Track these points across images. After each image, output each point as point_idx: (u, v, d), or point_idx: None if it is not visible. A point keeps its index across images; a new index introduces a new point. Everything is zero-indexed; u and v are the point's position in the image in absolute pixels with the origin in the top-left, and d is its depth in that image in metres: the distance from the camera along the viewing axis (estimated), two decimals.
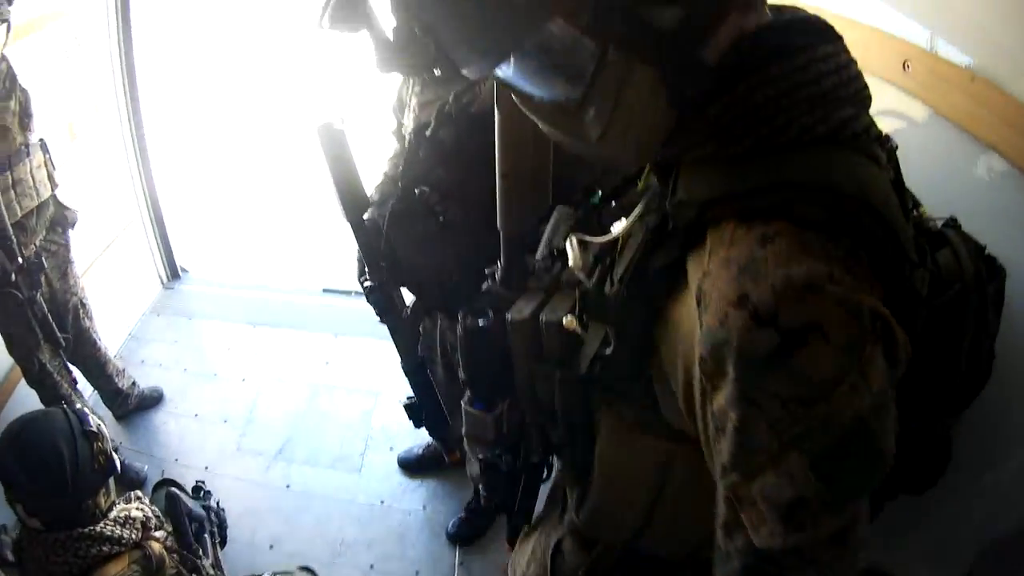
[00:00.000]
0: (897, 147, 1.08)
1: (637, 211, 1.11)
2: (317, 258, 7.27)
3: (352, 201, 2.36)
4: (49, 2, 4.88)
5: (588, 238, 1.23)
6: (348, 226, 2.42)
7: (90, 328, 4.63)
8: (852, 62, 0.99)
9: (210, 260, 7.43)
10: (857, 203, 0.85)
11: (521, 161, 1.58)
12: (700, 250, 0.94)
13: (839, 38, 0.99)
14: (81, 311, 4.54)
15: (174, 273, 6.62)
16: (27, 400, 4.24)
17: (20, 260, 3.93)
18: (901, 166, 1.08)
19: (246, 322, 5.95)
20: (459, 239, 2.15)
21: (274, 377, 5.36)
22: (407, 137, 2.36)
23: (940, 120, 1.76)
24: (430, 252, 2.25)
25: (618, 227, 1.16)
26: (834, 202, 0.85)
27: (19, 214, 4.00)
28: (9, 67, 3.99)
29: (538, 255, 1.42)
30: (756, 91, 0.92)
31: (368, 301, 2.60)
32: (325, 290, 6.32)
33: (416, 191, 2.20)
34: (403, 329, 2.75)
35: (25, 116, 4.07)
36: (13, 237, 3.89)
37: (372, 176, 2.59)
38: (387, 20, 2.20)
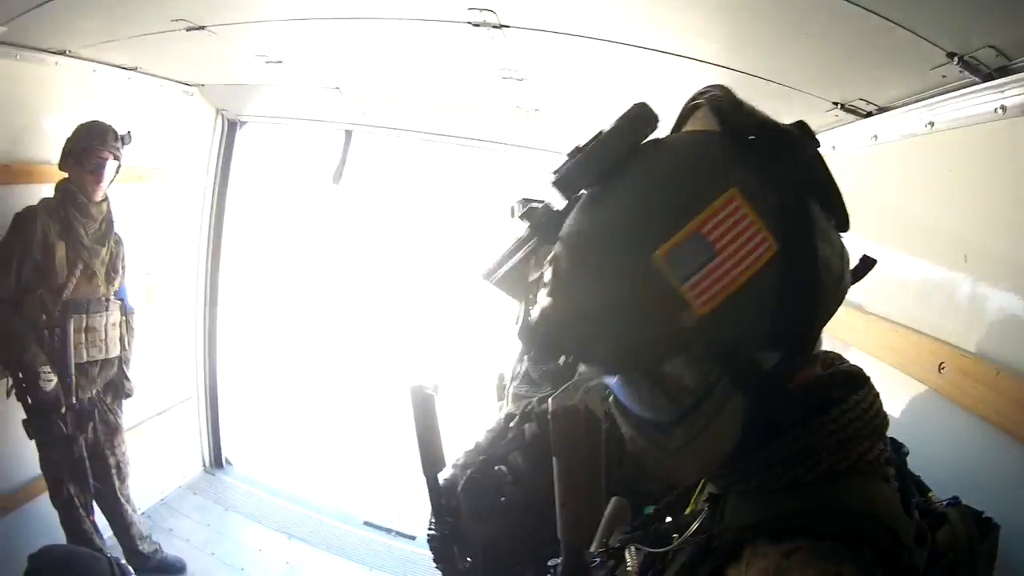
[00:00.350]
0: (908, 452, 1.27)
1: (692, 529, 1.22)
2: (364, 488, 7.24)
3: (430, 459, 2.48)
4: (152, 156, 5.19)
5: (646, 548, 1.32)
6: (424, 479, 2.53)
7: (119, 489, 4.47)
8: (876, 399, 1.13)
9: (257, 459, 7.38)
10: (864, 517, 1.01)
11: (578, 487, 1.77)
12: (738, 562, 1.06)
13: (867, 381, 1.15)
14: (115, 472, 4.42)
15: (218, 461, 6.53)
16: (46, 514, 4.11)
17: (74, 399, 3.94)
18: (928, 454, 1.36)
19: (282, 531, 5.72)
20: (518, 521, 2.31)
21: None
22: (500, 419, 2.60)
23: (967, 414, 1.98)
24: (490, 525, 2.41)
25: (675, 541, 1.26)
26: (846, 519, 1.00)
27: (84, 359, 4.01)
28: (109, 209, 4.14)
29: (592, 548, 1.54)
30: (800, 439, 1.07)
31: (429, 547, 2.65)
32: (366, 523, 6.09)
33: (495, 468, 2.41)
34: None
35: (113, 270, 4.19)
36: (74, 376, 3.92)
37: (455, 438, 2.69)
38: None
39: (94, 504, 4.25)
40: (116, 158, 3.99)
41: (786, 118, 1.44)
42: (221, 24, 3.25)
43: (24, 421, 3.90)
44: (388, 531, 5.94)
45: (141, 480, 4.68)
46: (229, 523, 5.70)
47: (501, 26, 2.63)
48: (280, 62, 3.87)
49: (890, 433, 1.15)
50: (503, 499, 2.34)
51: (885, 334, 2.34)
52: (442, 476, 2.54)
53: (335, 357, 11.80)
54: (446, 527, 2.52)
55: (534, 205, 2.28)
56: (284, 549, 5.47)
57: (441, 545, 2.56)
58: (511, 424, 2.46)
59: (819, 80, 2.52)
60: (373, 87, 4.27)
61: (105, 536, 4.42)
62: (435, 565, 2.65)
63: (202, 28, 3.27)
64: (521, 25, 2.63)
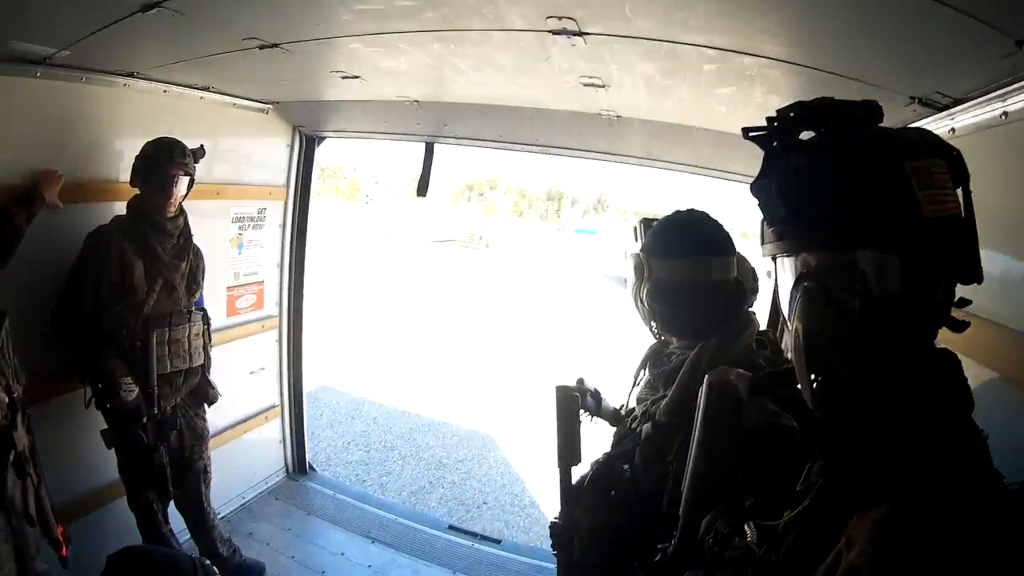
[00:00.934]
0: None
1: (803, 505, 1.36)
2: (450, 493, 7.47)
3: (567, 453, 2.68)
4: (231, 173, 5.31)
5: (765, 523, 1.48)
6: (558, 471, 2.72)
7: (204, 494, 4.54)
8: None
9: (341, 465, 7.64)
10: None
11: (712, 462, 1.86)
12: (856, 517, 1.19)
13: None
14: (202, 477, 4.50)
15: (301, 468, 6.64)
16: (124, 517, 4.18)
17: (156, 411, 3.99)
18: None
19: (364, 536, 5.72)
20: (625, 514, 2.48)
21: None
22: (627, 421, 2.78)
23: None
24: (599, 516, 2.58)
25: (786, 515, 1.41)
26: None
27: (168, 370, 4.07)
28: (186, 222, 4.17)
29: (702, 532, 1.75)
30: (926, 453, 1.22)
31: (551, 532, 2.81)
32: (450, 527, 6.12)
33: (619, 464, 2.57)
34: (572, 565, 2.80)
35: (193, 283, 4.25)
36: (156, 387, 3.97)
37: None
38: None
39: (171, 508, 4.32)
40: (187, 173, 4.02)
41: None
42: (295, 41, 3.20)
43: (103, 431, 3.94)
44: (473, 535, 5.93)
45: (223, 485, 4.73)
46: (311, 527, 5.73)
47: (581, 33, 2.58)
48: (357, 77, 3.81)
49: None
50: (612, 493, 2.51)
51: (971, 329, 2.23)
52: (576, 471, 2.71)
53: (424, 363, 12.08)
54: (570, 517, 2.68)
55: (649, 220, 2.67)
56: (366, 553, 5.48)
57: (561, 533, 2.71)
58: (632, 425, 2.63)
59: (895, 75, 2.47)
60: (453, 99, 4.19)
61: (182, 540, 4.51)
62: (553, 552, 2.80)
63: (275, 46, 3.24)
64: (601, 32, 2.57)
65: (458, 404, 11.62)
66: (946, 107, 2.51)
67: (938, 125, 2.58)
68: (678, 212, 2.56)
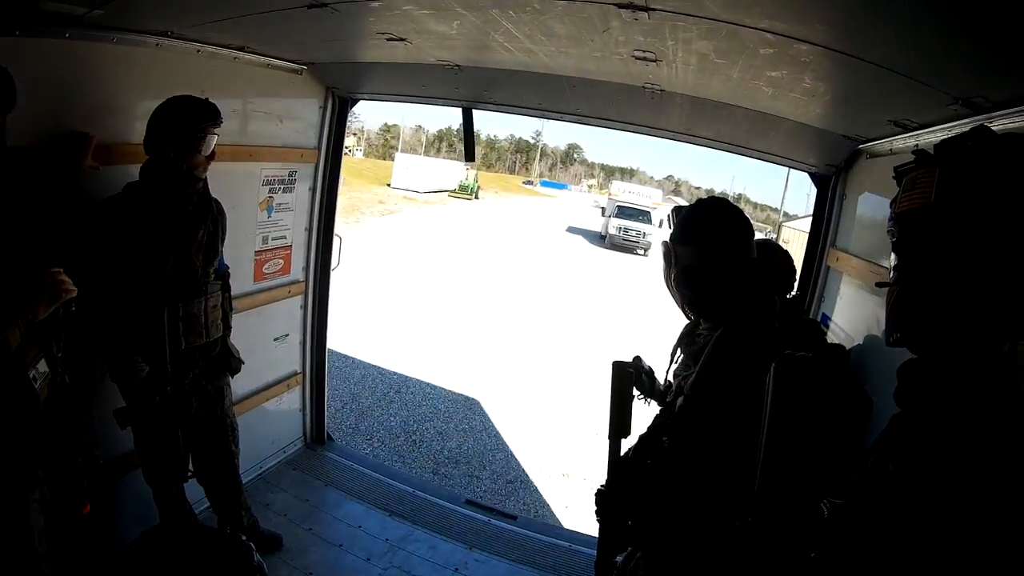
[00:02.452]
0: None
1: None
2: (467, 468, 7.62)
3: (618, 426, 2.91)
4: (261, 135, 5.26)
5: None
6: (608, 442, 2.94)
7: (235, 455, 4.50)
8: None
9: (360, 436, 7.76)
10: None
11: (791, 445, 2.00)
12: None
13: None
14: (231, 434, 4.44)
15: (320, 438, 6.64)
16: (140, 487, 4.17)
17: (170, 388, 3.85)
18: None
19: (382, 509, 5.75)
20: (659, 483, 2.61)
21: (400, 568, 5.07)
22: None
23: None
24: (637, 484, 2.73)
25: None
26: None
27: (183, 347, 3.92)
28: (205, 186, 3.96)
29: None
30: None
31: (595, 500, 2.96)
32: (467, 502, 6.17)
33: (659, 436, 2.70)
34: (613, 531, 2.95)
35: (211, 250, 4.04)
36: (170, 366, 3.84)
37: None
38: None
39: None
40: (216, 133, 3.83)
41: (909, 112, 1.43)
42: (345, 1, 3.11)
43: (115, 411, 3.85)
44: (490, 511, 5.98)
45: (241, 453, 4.68)
46: (328, 499, 5.74)
47: (647, 8, 2.53)
48: (403, 40, 3.72)
49: None
50: (649, 462, 2.67)
51: None
52: (625, 443, 2.92)
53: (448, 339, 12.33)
54: (614, 485, 2.86)
55: (680, 208, 2.87)
56: (384, 526, 5.49)
57: (604, 501, 2.90)
58: (669, 399, 2.80)
59: (940, 74, 2.47)
60: (496, 65, 4.11)
61: (198, 511, 4.54)
62: (596, 518, 2.97)
63: (324, 6, 3.14)
64: (667, 8, 2.52)
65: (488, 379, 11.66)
66: (986, 110, 2.50)
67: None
68: (701, 201, 2.78)
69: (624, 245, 40.13)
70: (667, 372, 3.00)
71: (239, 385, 4.65)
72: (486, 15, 3.04)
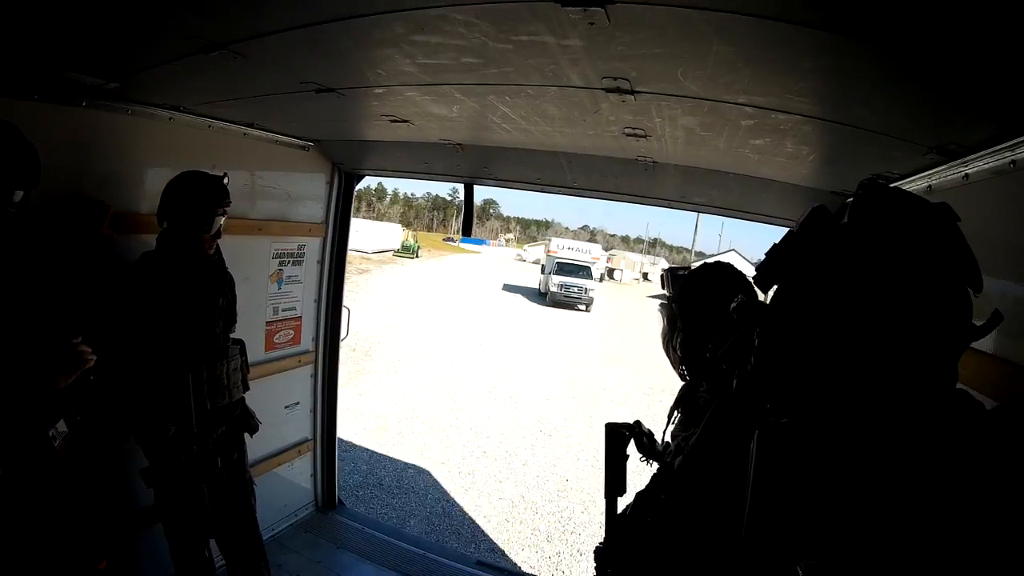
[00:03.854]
0: None
1: None
2: (477, 529, 7.73)
3: (613, 486, 2.96)
4: (270, 209, 5.42)
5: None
6: (605, 500, 2.97)
7: (255, 509, 4.50)
8: None
9: (370, 500, 7.88)
10: None
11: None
12: None
13: None
14: (250, 489, 4.46)
15: (331, 502, 6.67)
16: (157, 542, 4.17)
17: (194, 448, 3.94)
18: None
19: (394, 570, 5.75)
20: (657, 541, 2.59)
21: None
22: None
23: None
24: (636, 542, 2.72)
25: None
26: None
27: (208, 408, 4.02)
28: (220, 256, 4.13)
29: None
30: None
31: (594, 557, 2.93)
32: (479, 563, 6.18)
33: (657, 494, 2.69)
34: None
35: (229, 317, 4.23)
36: (195, 428, 3.92)
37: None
38: None
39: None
40: (226, 212, 3.98)
41: (890, 165, 1.57)
42: (352, 87, 3.31)
43: (141, 471, 3.94)
44: (500, 571, 6.01)
45: None
46: (340, 561, 5.75)
47: (633, 91, 2.71)
48: (406, 121, 3.91)
49: None
50: (648, 520, 2.64)
51: (980, 365, 2.33)
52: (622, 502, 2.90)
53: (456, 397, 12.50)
54: (611, 542, 2.86)
55: (679, 273, 2.98)
56: None
57: (603, 557, 2.88)
58: (667, 459, 2.78)
59: (914, 127, 2.60)
60: (495, 143, 4.28)
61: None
62: (595, 574, 2.93)
63: (331, 91, 3.35)
64: (651, 91, 2.70)
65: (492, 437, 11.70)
66: (960, 155, 2.66)
67: (952, 172, 2.76)
68: (705, 265, 2.84)
69: (566, 302, 39.42)
70: (664, 432, 3.02)
71: (252, 450, 4.69)
72: (484, 100, 3.22)
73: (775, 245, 1.75)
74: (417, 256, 63.17)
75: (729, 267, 2.80)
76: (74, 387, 2.84)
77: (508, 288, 46.03)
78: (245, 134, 4.83)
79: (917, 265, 1.52)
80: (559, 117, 3.37)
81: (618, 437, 2.98)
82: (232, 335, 4.31)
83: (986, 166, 2.52)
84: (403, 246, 63.87)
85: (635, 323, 36.02)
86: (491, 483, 10.07)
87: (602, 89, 2.73)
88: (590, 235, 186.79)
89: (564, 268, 42.13)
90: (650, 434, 3.11)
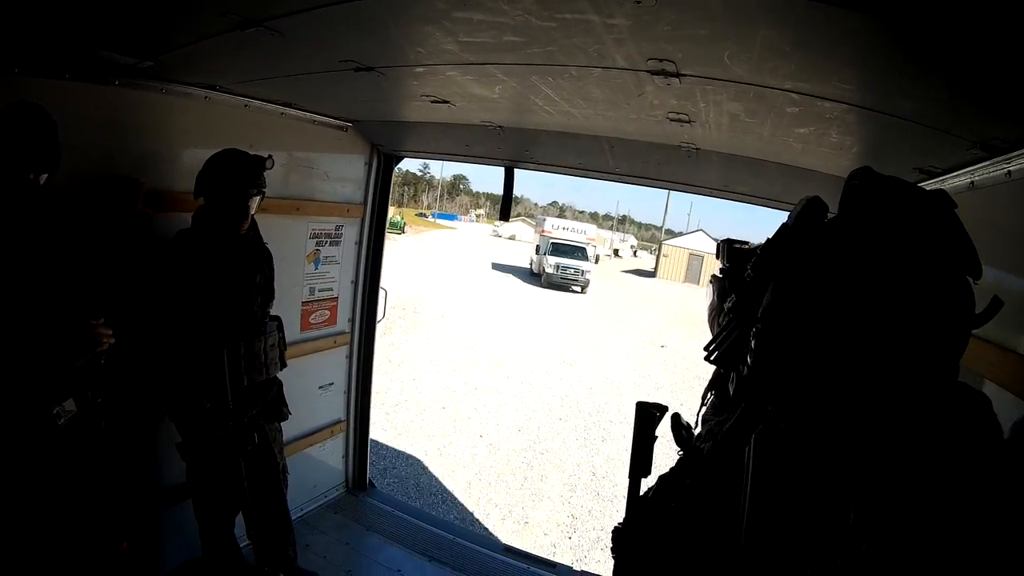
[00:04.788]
0: None
1: None
2: (507, 515, 7.95)
3: (639, 465, 2.85)
4: (308, 189, 5.44)
5: None
6: (629, 481, 2.87)
7: (285, 494, 4.53)
8: None
9: (401, 483, 8.10)
10: None
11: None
12: None
13: None
14: (282, 476, 4.49)
15: (361, 484, 6.72)
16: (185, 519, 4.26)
17: (230, 423, 3.97)
18: None
19: (422, 554, 5.75)
20: (681, 526, 2.55)
21: None
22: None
23: None
24: (657, 526, 2.68)
25: None
26: None
27: (244, 384, 4.06)
28: (257, 233, 4.15)
29: None
30: None
31: (612, 537, 2.90)
32: (506, 548, 6.16)
33: (683, 479, 2.66)
34: (629, 570, 2.91)
35: (268, 293, 4.24)
36: (231, 404, 3.96)
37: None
38: None
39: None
40: (261, 192, 3.98)
41: (933, 159, 1.52)
42: (392, 66, 3.25)
43: (177, 444, 4.01)
44: (528, 558, 5.97)
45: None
46: (368, 543, 5.77)
47: (678, 74, 2.63)
48: (447, 102, 3.85)
49: None
50: (672, 504, 2.61)
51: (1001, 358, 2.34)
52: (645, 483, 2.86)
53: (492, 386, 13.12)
54: (632, 523, 2.82)
55: (736, 246, 2.96)
56: (423, 571, 5.52)
57: (621, 539, 2.84)
58: (696, 443, 2.75)
59: (958, 120, 2.55)
60: (537, 126, 4.21)
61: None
62: (612, 555, 2.91)
63: (371, 69, 3.28)
64: (697, 74, 2.63)
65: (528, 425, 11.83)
66: (1004, 151, 2.58)
67: (996, 168, 2.67)
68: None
69: (562, 284, 39.21)
70: (697, 414, 2.99)
71: (286, 430, 4.72)
72: (526, 81, 3.15)
73: (769, 239, 1.72)
74: (403, 231, 64.76)
75: None
76: (87, 368, 2.84)
77: (497, 268, 46.13)
78: (283, 113, 4.82)
79: (913, 256, 1.50)
80: (602, 100, 3.29)
81: (648, 417, 2.91)
82: (271, 312, 4.33)
83: None
84: (391, 222, 64.94)
85: (616, 296, 40.54)
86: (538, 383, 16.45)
87: (647, 71, 2.64)
88: (559, 211, 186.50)
89: (559, 249, 41.52)
90: (688, 427, 3.02)
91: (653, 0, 1.93)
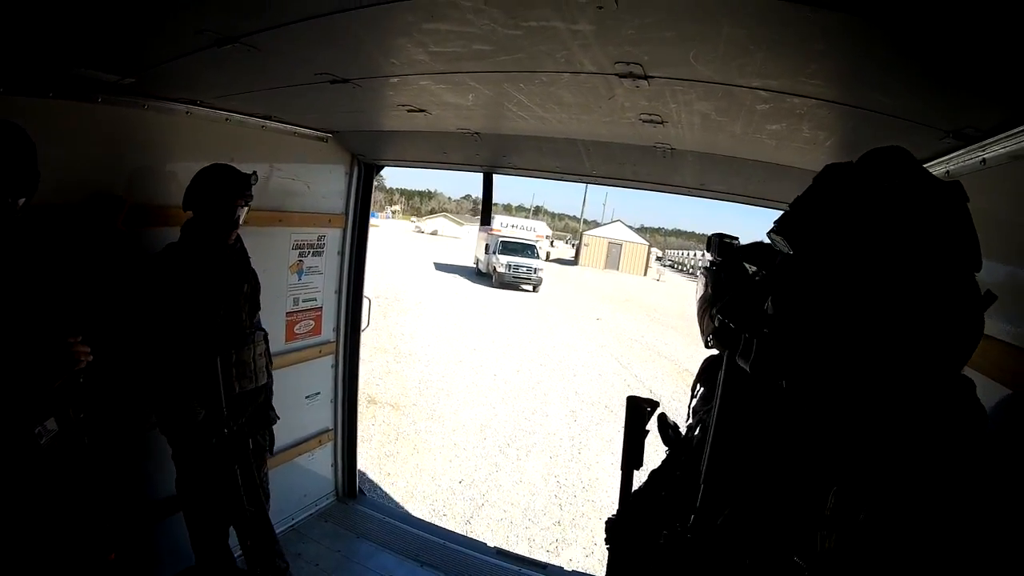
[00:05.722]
0: None
1: None
2: (496, 518, 7.95)
3: (630, 458, 2.94)
4: (289, 200, 5.46)
5: None
6: (620, 473, 2.96)
7: (267, 509, 4.54)
8: None
9: (391, 490, 8.14)
10: None
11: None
12: None
13: None
14: (263, 493, 4.49)
15: (351, 492, 6.74)
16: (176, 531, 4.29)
17: (226, 430, 4.03)
18: None
19: (414, 559, 5.78)
20: (669, 516, 2.56)
21: None
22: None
23: None
24: (648, 517, 2.73)
25: None
26: None
27: (236, 391, 4.12)
28: (242, 246, 4.21)
29: None
30: None
31: (605, 528, 2.95)
32: (498, 551, 6.17)
33: (673, 470, 2.74)
34: (621, 560, 2.96)
35: (254, 304, 4.29)
36: (225, 411, 4.01)
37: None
38: None
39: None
40: (248, 204, 4.07)
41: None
42: (367, 77, 3.30)
43: (174, 455, 4.06)
44: (520, 560, 5.99)
45: (273, 506, 4.76)
46: (360, 550, 5.79)
47: (646, 76, 2.68)
48: (423, 111, 3.90)
49: None
50: (663, 493, 2.68)
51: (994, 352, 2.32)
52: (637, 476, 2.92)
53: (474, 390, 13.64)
54: (624, 514, 2.86)
55: (727, 241, 2.86)
56: None
57: (615, 530, 2.90)
58: (686, 434, 2.81)
59: (930, 111, 2.57)
60: (513, 132, 4.27)
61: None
62: (606, 545, 2.96)
63: (347, 81, 3.34)
64: (664, 75, 2.67)
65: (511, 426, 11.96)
66: (977, 139, 2.62)
67: (970, 156, 2.71)
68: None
69: (514, 283, 38.87)
70: (689, 407, 2.97)
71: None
72: (498, 88, 3.21)
73: (798, 198, 1.70)
74: None
75: None
76: (67, 386, 2.84)
77: (441, 268, 45.34)
78: (263, 126, 4.85)
79: (931, 252, 1.48)
80: (574, 104, 3.35)
81: (639, 412, 2.97)
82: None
83: (1003, 150, 2.48)
84: None
85: (548, 282, 41.85)
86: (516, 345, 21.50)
87: (615, 75, 2.69)
88: (473, 204, 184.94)
89: (509, 247, 40.80)
90: (675, 426, 3.06)
91: (615, 4, 1.98)
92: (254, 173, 4.05)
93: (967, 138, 2.65)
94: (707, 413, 2.61)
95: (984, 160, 2.61)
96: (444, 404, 13.67)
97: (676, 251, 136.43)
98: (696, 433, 2.70)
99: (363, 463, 7.06)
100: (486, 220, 6.08)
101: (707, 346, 2.85)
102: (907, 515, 1.42)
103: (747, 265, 2.64)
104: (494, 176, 5.60)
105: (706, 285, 2.89)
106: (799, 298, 1.60)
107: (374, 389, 13.65)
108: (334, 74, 3.27)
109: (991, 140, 2.54)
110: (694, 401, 2.92)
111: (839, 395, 1.57)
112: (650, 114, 3.34)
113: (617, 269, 72.07)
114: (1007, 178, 2.50)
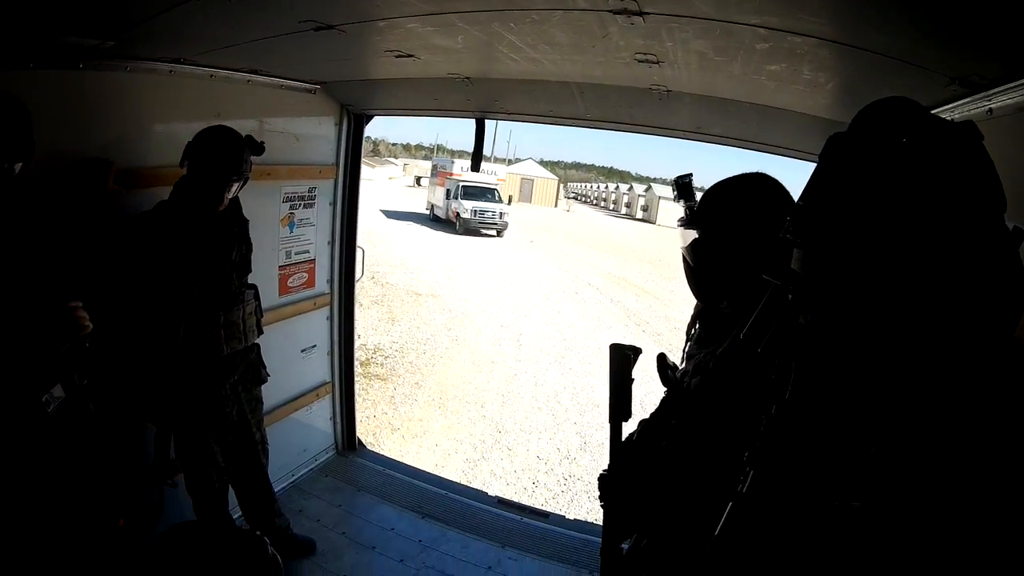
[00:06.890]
0: None
1: None
2: (498, 467, 8.01)
3: (618, 409, 2.81)
4: (280, 154, 5.34)
5: None
6: (609, 426, 2.84)
7: (265, 466, 4.63)
8: None
9: (390, 441, 8.10)
10: None
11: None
12: None
13: None
14: (261, 448, 4.58)
15: (351, 445, 6.78)
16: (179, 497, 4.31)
17: (215, 390, 4.09)
18: None
19: (414, 510, 5.82)
20: (670, 466, 2.50)
21: (434, 568, 5.13)
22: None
23: None
24: (646, 468, 2.67)
25: None
26: None
27: (225, 352, 4.12)
28: (235, 206, 4.18)
29: None
30: None
31: (599, 484, 2.88)
32: (499, 500, 6.22)
33: (668, 419, 2.62)
34: (618, 516, 2.90)
35: (244, 264, 4.26)
36: (216, 369, 4.07)
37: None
38: None
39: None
40: (243, 179, 4.02)
41: (909, 95, 1.51)
42: (352, 22, 3.20)
43: (157, 433, 4.06)
44: (521, 509, 6.04)
45: (273, 462, 4.80)
46: (360, 503, 5.82)
47: (641, 12, 2.58)
48: (411, 56, 3.81)
49: None
50: (664, 444, 2.56)
51: None
52: (627, 426, 2.84)
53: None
54: (616, 469, 2.80)
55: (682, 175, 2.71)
56: (416, 528, 5.57)
57: (607, 485, 2.82)
58: (683, 379, 2.65)
59: (936, 56, 2.50)
60: (504, 75, 4.18)
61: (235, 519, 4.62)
62: (600, 503, 2.88)
63: (331, 28, 3.24)
64: (660, 11, 2.58)
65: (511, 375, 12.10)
66: (984, 88, 2.54)
67: (976, 105, 2.63)
68: (732, 178, 2.50)
69: (479, 229, 38.44)
70: (683, 351, 2.89)
71: (270, 396, 4.76)
72: (488, 28, 3.11)
73: (807, 188, 1.60)
74: None
75: (755, 178, 2.42)
76: (72, 352, 2.84)
77: (391, 215, 42.85)
78: (249, 81, 4.76)
79: (965, 196, 1.39)
80: (567, 44, 3.26)
81: (623, 359, 2.85)
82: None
83: (1010, 100, 2.42)
84: None
85: None
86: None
87: (608, 11, 2.61)
88: (373, 146, 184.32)
89: (470, 192, 39.80)
90: (674, 366, 2.91)
91: None
92: (261, 143, 4.05)
93: (973, 86, 2.57)
94: (706, 357, 2.51)
95: (991, 110, 2.54)
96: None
97: (578, 183, 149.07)
98: (694, 378, 2.55)
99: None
100: (476, 166, 6.02)
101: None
102: (939, 486, 1.32)
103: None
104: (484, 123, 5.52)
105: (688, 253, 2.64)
106: (836, 290, 1.49)
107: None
108: (318, 20, 3.17)
109: (999, 89, 2.47)
110: (688, 344, 2.83)
111: (885, 363, 1.48)
112: (645, 53, 3.25)
113: (530, 202, 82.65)
114: (1014, 128, 2.42)
